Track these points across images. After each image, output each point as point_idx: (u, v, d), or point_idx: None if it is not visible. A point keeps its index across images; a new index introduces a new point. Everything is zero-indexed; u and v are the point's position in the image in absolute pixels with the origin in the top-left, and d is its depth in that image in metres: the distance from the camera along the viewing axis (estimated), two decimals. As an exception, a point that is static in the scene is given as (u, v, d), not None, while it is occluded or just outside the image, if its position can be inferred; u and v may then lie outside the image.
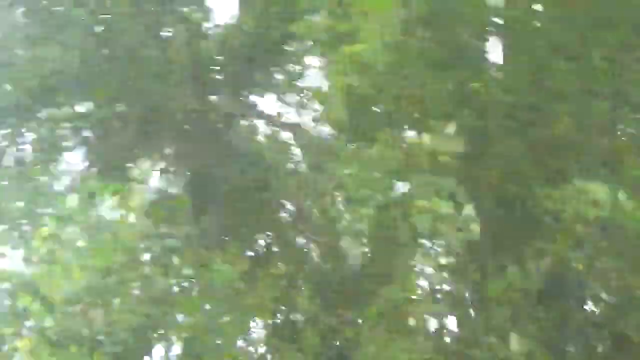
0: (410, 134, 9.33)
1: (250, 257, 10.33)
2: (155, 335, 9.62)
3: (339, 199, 9.66)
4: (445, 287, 8.82)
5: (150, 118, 12.36)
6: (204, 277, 9.59)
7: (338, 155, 9.86)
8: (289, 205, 13.62)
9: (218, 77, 13.65)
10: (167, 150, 11.04)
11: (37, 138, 11.92)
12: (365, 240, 9.19)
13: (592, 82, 8.68)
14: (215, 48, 13.44)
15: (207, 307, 9.40)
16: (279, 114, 15.61)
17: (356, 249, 9.24)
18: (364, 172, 9.38)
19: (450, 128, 8.20)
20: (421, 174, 8.62)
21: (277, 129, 15.95)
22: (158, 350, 9.93)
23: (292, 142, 16.32)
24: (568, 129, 8.78)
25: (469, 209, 8.13)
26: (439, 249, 8.53)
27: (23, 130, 12.10)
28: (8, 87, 11.37)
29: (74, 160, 11.81)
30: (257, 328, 9.90)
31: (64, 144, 11.76)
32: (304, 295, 10.83)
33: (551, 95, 9.05)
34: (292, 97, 16.19)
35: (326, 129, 16.19)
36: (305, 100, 16.52)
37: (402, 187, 9.02)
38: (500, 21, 8.76)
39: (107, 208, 9.13)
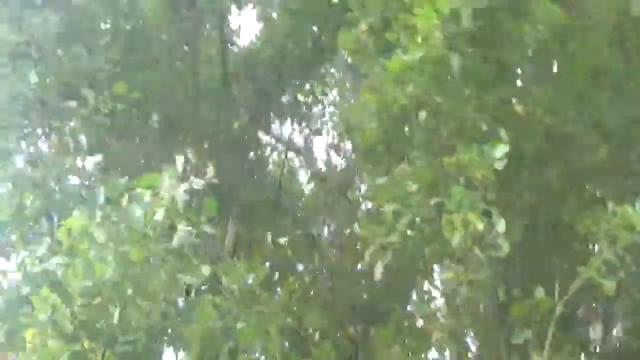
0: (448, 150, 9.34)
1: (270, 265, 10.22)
2: (167, 337, 9.47)
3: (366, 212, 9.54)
4: (470, 304, 8.70)
5: (173, 125, 12.36)
6: (222, 279, 9.48)
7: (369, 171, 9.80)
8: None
9: (243, 93, 13.72)
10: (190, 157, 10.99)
11: (58, 135, 11.88)
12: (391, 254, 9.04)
13: (630, 108, 8.74)
14: (242, 64, 13.50)
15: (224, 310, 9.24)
16: (290, 138, 15.74)
17: (380, 263, 9.10)
18: (396, 186, 9.36)
19: (497, 149, 8.14)
20: (456, 190, 8.58)
21: (292, 152, 16.08)
22: (169, 354, 9.81)
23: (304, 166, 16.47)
24: (606, 153, 8.83)
25: (501, 227, 8.07)
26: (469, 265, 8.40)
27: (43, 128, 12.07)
28: (33, 82, 11.29)
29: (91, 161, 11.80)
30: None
31: (84, 143, 11.72)
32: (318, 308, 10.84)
33: (591, 119, 9.13)
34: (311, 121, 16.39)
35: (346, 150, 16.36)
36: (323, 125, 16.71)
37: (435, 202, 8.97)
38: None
39: (134, 203, 8.95)
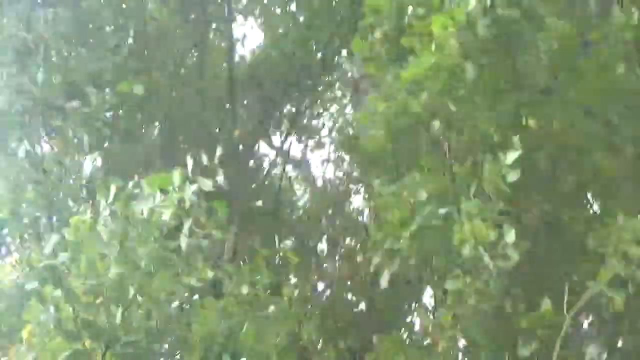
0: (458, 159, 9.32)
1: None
2: (169, 339, 9.37)
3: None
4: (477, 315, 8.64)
5: (176, 129, 12.31)
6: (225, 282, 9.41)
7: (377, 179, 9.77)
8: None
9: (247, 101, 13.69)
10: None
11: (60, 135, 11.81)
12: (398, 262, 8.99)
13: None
14: (246, 73, 13.48)
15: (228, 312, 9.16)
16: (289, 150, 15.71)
17: (387, 271, 9.04)
18: (405, 194, 9.32)
19: (509, 157, 8.11)
20: (468, 200, 8.54)
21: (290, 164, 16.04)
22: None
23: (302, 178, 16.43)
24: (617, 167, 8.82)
25: (510, 237, 8.03)
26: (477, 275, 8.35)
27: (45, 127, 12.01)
28: (40, 80, 11.24)
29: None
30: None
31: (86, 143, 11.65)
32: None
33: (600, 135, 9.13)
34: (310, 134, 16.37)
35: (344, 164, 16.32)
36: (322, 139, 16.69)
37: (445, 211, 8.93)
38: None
39: (141, 202, 8.86)
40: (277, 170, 15.38)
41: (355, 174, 16.03)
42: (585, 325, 9.74)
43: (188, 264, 8.95)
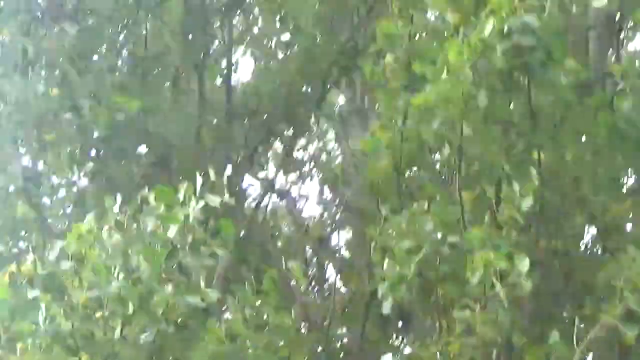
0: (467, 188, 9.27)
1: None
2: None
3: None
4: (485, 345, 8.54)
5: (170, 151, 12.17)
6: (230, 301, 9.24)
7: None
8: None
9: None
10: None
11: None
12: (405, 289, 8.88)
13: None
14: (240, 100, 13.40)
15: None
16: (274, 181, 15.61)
17: (390, 299, 8.93)
18: (411, 223, 9.25)
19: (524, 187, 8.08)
20: (479, 229, 8.48)
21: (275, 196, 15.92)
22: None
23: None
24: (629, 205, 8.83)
25: (524, 266, 7.96)
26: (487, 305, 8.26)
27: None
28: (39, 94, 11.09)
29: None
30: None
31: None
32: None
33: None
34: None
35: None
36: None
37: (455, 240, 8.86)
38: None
39: (148, 216, 8.69)
40: (263, 201, 15.24)
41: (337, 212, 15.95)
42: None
43: (190, 283, 8.75)
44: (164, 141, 12.16)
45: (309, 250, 14.94)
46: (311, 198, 16.64)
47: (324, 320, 12.25)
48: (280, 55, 14.27)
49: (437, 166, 10.03)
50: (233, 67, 14.04)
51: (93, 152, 11.74)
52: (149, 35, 12.37)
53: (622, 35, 12.15)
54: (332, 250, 15.27)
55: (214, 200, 8.67)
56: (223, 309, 10.05)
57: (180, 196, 8.66)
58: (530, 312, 8.69)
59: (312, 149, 16.76)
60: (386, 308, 8.97)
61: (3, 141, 11.38)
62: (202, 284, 8.80)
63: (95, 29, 11.99)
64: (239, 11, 13.33)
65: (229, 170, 12.17)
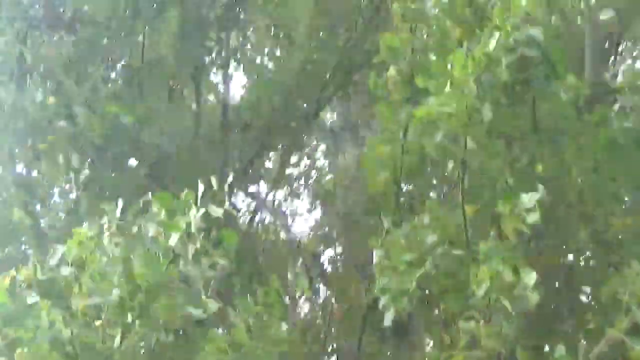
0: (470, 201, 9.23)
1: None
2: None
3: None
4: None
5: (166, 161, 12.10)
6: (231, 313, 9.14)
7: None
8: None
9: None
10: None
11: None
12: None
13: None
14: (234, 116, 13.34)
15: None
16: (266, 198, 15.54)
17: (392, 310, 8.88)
18: (414, 237, 9.21)
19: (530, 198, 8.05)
20: (484, 241, 8.44)
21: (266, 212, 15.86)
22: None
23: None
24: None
25: (530, 279, 7.93)
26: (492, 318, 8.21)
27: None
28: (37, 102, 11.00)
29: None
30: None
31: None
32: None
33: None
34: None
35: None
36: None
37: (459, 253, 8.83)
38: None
39: (149, 223, 8.60)
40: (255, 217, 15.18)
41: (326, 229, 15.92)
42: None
43: (190, 293, 8.65)
44: (158, 151, 12.04)
45: (302, 265, 14.83)
46: (303, 213, 16.59)
47: (319, 334, 12.16)
48: (274, 70, 14.10)
49: (438, 179, 9.91)
50: (229, 80, 13.95)
51: (87, 161, 11.55)
52: (146, 45, 12.25)
53: (619, 50, 12.21)
54: (324, 265, 15.17)
55: (216, 210, 8.56)
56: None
57: (181, 204, 8.51)
58: (534, 325, 8.60)
59: (303, 164, 16.66)
60: (387, 320, 8.89)
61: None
62: (203, 294, 8.67)
63: (92, 39, 11.85)
64: (235, 24, 13.18)
65: (229, 179, 12.04)
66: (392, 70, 9.78)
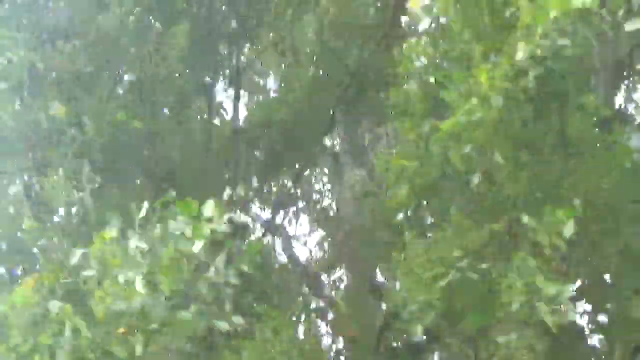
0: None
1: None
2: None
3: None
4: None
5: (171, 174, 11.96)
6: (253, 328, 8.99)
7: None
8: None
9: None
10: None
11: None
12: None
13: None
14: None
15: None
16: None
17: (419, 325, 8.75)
18: (439, 251, 9.09)
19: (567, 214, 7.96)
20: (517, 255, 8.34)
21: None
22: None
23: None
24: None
25: (569, 293, 7.81)
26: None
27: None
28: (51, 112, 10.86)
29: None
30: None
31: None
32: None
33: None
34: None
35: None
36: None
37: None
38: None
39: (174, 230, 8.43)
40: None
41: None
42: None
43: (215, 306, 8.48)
44: (168, 163, 11.90)
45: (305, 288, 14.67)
46: (306, 236, 16.46)
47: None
48: (284, 88, 14.00)
49: (458, 192, 9.81)
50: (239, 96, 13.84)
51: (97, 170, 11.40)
52: (156, 58, 12.14)
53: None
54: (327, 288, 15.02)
55: (243, 218, 8.44)
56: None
57: (206, 212, 8.36)
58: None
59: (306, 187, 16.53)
60: (418, 332, 8.75)
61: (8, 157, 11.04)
62: (228, 305, 8.51)
63: (103, 51, 11.74)
64: (246, 41, 13.10)
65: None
66: (413, 83, 9.67)
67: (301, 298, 13.64)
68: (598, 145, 9.36)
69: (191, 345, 8.46)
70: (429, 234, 9.42)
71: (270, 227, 14.86)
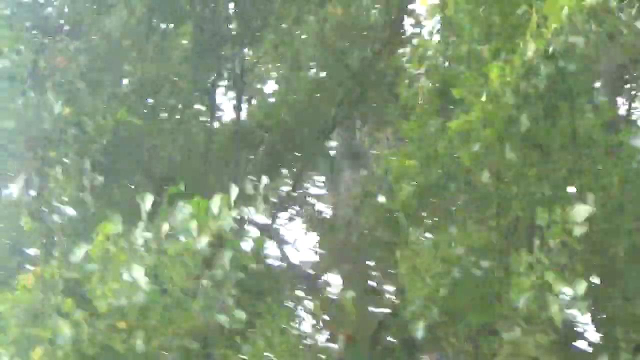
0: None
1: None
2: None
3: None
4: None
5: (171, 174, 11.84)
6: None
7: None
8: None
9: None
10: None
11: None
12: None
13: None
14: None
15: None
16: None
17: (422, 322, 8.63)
18: (444, 248, 9.01)
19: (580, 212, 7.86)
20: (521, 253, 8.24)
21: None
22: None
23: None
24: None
25: (581, 289, 7.69)
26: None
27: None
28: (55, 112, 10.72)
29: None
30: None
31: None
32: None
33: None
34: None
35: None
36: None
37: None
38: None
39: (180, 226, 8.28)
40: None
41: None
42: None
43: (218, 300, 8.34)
44: (169, 163, 11.77)
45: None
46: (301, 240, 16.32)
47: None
48: (285, 89, 13.89)
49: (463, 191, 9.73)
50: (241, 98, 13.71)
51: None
52: (159, 58, 12.03)
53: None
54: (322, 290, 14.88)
55: (251, 213, 8.31)
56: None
57: (214, 207, 8.23)
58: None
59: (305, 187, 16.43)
60: (420, 332, 8.65)
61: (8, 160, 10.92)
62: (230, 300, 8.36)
63: (106, 50, 11.63)
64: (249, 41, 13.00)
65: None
66: (423, 81, 9.61)
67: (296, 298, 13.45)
68: (606, 145, 9.22)
69: (192, 341, 8.23)
70: (432, 233, 9.26)
71: (267, 228, 14.70)
